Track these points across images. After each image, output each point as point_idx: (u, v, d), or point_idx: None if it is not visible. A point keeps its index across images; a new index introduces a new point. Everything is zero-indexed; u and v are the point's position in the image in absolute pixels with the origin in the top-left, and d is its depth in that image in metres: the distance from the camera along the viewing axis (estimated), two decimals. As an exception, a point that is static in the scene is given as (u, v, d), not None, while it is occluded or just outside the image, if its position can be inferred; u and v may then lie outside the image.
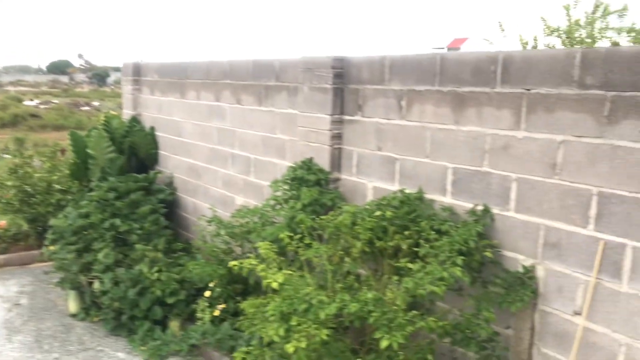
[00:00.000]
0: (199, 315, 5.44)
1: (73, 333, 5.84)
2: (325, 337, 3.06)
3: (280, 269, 3.68)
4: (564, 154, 3.40)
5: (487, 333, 3.25)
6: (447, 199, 4.14)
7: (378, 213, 3.95)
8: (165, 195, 7.48)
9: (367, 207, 4.17)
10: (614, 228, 3.20)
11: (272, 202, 5.15)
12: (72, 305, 6.20)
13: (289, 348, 3.08)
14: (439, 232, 3.81)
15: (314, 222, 4.02)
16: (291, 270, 3.74)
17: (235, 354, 3.55)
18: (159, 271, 5.80)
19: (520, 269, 3.66)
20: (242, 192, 6.44)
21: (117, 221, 6.42)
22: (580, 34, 6.88)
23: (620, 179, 3.15)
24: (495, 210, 3.83)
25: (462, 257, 3.43)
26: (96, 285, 5.90)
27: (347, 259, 3.79)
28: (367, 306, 3.13)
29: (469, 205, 3.97)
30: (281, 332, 3.22)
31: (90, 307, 6.16)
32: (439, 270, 3.28)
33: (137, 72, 8.59)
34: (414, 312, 3.12)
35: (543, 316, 3.61)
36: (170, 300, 5.70)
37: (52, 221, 6.74)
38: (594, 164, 3.26)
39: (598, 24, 6.82)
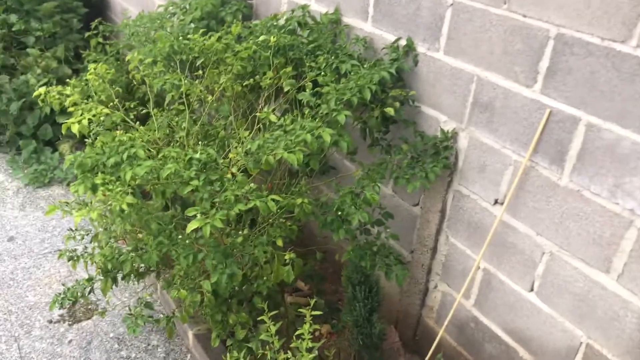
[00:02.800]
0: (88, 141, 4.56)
1: (-42, 145, 5.08)
2: (125, 207, 2.16)
3: (109, 105, 2.68)
4: (521, -31, 2.15)
5: (364, 220, 2.34)
6: (368, 26, 2.95)
7: (262, 38, 2.81)
8: (87, -9, 6.19)
9: (256, 28, 3.02)
10: (568, 92, 2.09)
11: (170, 9, 3.97)
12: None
13: (76, 217, 2.20)
14: (337, 72, 2.71)
15: (177, 42, 2.89)
16: (131, 109, 2.75)
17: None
18: (49, 83, 4.81)
19: (439, 134, 2.64)
20: (161, -6, 5.16)
21: (13, 17, 5.26)
22: None
23: (593, 15, 1.96)
24: (421, 49, 2.67)
25: (348, 113, 2.38)
26: (-25, 93, 4.95)
27: (209, 99, 2.75)
28: (190, 171, 2.18)
29: (392, 38, 2.81)
30: (81, 191, 2.32)
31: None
32: (305, 129, 2.25)
33: None
34: (252, 185, 2.17)
35: (458, 199, 2.67)
36: (62, 120, 4.80)
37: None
38: (560, -12, 2.04)
39: None
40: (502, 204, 2.46)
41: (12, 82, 4.83)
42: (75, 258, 2.94)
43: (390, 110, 2.49)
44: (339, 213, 2.40)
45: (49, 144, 4.95)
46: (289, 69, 2.65)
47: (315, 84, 2.63)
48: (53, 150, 4.84)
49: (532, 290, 2.41)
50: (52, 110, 4.81)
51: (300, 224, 2.71)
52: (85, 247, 3.01)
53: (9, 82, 4.83)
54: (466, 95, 2.51)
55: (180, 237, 2.34)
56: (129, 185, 2.24)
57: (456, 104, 2.56)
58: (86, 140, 3.51)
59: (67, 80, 4.91)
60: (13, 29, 5.22)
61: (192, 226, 2.03)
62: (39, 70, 4.98)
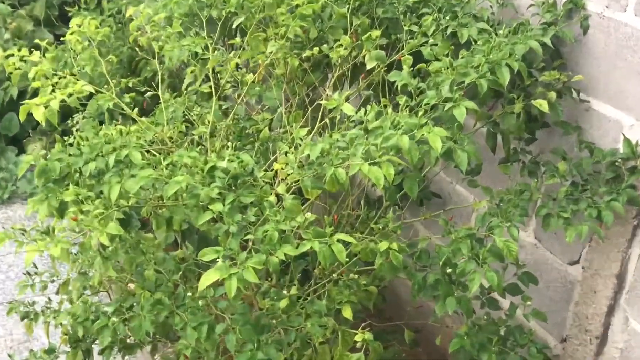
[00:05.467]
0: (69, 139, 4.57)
1: None
2: (105, 241, 2.00)
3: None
4: None
5: (490, 284, 2.10)
6: (506, -28, 2.75)
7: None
8: None
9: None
10: None
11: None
12: None
13: (28, 253, 2.05)
14: (455, 41, 2.52)
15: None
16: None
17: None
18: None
19: (621, 147, 2.37)
20: None
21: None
22: None
23: None
24: (594, 7, 2.44)
25: (471, 105, 2.16)
26: None
27: (248, 78, 2.65)
28: (211, 188, 2.00)
29: (546, -10, 2.59)
30: (42, 212, 2.20)
31: None
32: (399, 128, 2.04)
33: None
34: (308, 216, 1.96)
35: (649, 257, 2.39)
36: (33, 108, 4.84)
37: None
38: None
39: None
40: None
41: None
42: (33, 316, 2.84)
43: (542, 105, 2.25)
44: (449, 270, 2.18)
45: (14, 143, 4.97)
46: (377, 33, 2.48)
47: (417, 58, 2.44)
48: (19, 152, 4.86)
49: None
50: (20, 93, 4.84)
51: (382, 284, 2.52)
52: (50, 300, 2.91)
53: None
54: (672, 85, 2.24)
55: (190, 294, 2.18)
56: (117, 206, 2.10)
57: (655, 99, 2.30)
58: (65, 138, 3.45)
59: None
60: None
61: (208, 279, 1.85)
62: (7, 35, 5.04)
